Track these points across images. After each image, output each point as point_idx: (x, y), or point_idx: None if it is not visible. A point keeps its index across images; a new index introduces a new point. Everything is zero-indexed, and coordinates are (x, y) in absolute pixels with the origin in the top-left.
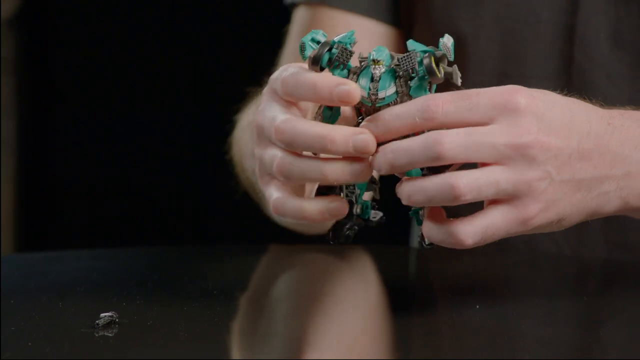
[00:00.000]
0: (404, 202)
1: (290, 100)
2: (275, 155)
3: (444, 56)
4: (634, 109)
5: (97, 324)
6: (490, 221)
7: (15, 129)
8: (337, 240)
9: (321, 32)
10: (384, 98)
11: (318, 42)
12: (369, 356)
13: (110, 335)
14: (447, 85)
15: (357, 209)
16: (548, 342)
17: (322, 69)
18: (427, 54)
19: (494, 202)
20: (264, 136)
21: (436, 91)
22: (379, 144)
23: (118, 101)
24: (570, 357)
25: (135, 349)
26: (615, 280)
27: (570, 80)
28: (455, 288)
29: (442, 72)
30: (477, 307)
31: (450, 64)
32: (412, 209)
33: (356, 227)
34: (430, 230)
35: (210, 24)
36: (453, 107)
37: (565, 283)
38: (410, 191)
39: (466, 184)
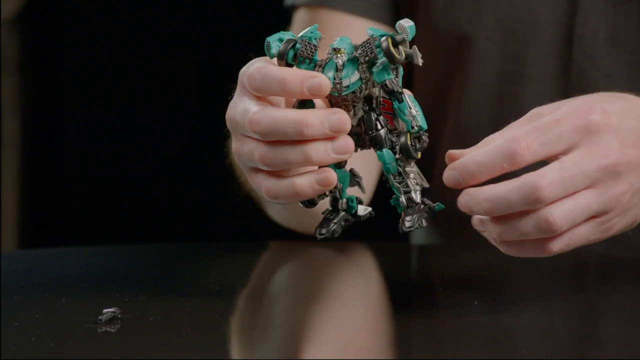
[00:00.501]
0: (495, 243)
1: (258, 95)
2: (253, 147)
3: (403, 38)
4: None
5: (100, 320)
6: (575, 231)
7: (19, 127)
8: (324, 234)
9: (290, 32)
10: (348, 86)
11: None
12: (368, 352)
13: (113, 330)
14: (410, 65)
15: (342, 204)
16: (546, 339)
17: (289, 66)
18: (384, 38)
19: None
20: (237, 130)
21: (403, 75)
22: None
23: (120, 100)
24: (569, 354)
25: (138, 344)
26: (613, 276)
27: (569, 80)
28: (454, 284)
29: (403, 54)
30: (475, 303)
31: (410, 45)
32: (393, 197)
33: (343, 223)
34: (524, 247)
35: (210, 24)
36: (538, 144)
37: (564, 280)
38: (504, 231)
39: (561, 216)
